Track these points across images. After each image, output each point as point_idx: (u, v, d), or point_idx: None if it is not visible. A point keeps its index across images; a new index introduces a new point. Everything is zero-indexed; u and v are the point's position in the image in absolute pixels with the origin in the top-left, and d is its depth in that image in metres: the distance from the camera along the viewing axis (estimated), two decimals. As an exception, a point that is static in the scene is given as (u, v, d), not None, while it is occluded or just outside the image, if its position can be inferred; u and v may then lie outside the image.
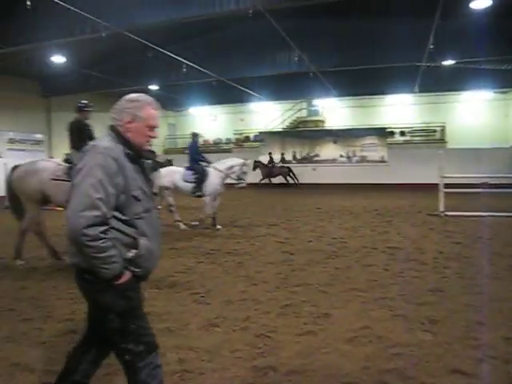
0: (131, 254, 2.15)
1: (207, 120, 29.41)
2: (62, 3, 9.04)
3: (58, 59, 14.98)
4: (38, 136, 20.52)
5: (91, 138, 6.08)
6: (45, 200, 6.37)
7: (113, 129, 2.25)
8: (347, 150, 25.07)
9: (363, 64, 15.28)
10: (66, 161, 6.36)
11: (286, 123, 27.20)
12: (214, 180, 9.25)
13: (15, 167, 6.54)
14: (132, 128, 2.21)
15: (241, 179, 9.58)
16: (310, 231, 9.07)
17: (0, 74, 17.57)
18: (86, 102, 6.61)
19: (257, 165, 23.44)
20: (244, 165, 9.58)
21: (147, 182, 2.29)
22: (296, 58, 14.64)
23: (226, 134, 28.83)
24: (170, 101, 24.15)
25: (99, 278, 2.07)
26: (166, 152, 29.21)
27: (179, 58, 14.20)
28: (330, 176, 23.80)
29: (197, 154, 9.64)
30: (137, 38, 11.43)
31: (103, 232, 2.01)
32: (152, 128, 2.27)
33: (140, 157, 2.27)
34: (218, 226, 9.40)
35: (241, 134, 28.70)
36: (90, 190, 1.99)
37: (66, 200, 5.27)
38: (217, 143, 28.92)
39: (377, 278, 5.38)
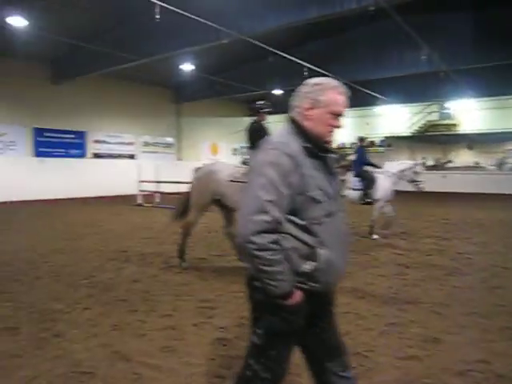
0: (308, 266, 1.85)
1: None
2: (187, 14, 9.59)
3: (187, 67, 16.02)
4: (169, 139, 22.23)
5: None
6: (220, 202, 6.19)
7: (291, 119, 1.99)
8: (485, 156, 22.63)
9: (503, 60, 13.59)
10: (244, 163, 6.20)
11: (415, 127, 25.56)
12: (384, 185, 8.71)
13: (198, 168, 6.50)
14: (312, 115, 1.92)
15: (415, 181, 8.96)
16: (431, 243, 8.28)
17: (136, 84, 19.49)
18: (262, 102, 6.35)
19: None
20: (415, 165, 8.99)
21: (331, 180, 1.96)
22: (425, 57, 13.60)
23: (350, 139, 28.17)
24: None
25: (267, 293, 1.84)
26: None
27: (301, 62, 14.16)
28: (462, 184, 21.75)
29: (365, 159, 9.18)
30: (258, 43, 11.65)
31: (273, 242, 1.77)
32: (336, 115, 1.94)
33: (321, 150, 1.94)
34: (375, 236, 8.69)
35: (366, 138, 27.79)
36: (260, 192, 1.77)
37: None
38: (340, 148, 28.39)
39: (504, 303, 4.63)
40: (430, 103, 24.42)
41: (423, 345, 3.58)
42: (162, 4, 9.17)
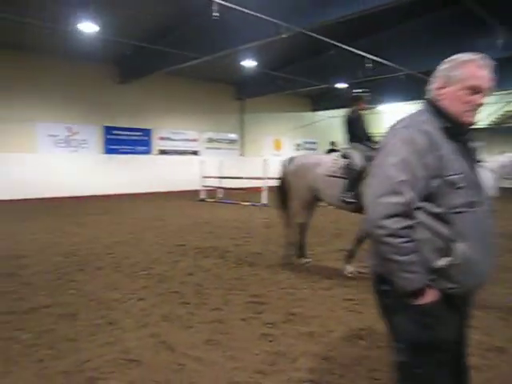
0: (443, 262, 1.63)
1: (399, 118, 28.01)
2: (245, 10, 9.59)
3: (249, 63, 16.09)
4: (232, 136, 22.47)
5: (365, 131, 5.65)
6: (316, 197, 5.85)
7: (426, 101, 1.84)
8: None
9: None
10: (343, 156, 5.65)
11: (492, 118, 23.92)
12: (487, 182, 7.43)
13: (291, 159, 6.16)
14: (444, 94, 1.74)
15: None
16: None
17: (200, 81, 19.88)
18: (361, 90, 5.89)
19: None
20: None
21: (472, 166, 1.74)
22: (501, 41, 12.60)
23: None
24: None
25: (396, 291, 1.65)
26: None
27: (363, 53, 13.71)
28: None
29: None
30: (318, 37, 11.42)
31: (406, 228, 1.58)
32: (474, 91, 1.69)
33: (461, 132, 1.75)
34: None
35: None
36: (392, 171, 1.60)
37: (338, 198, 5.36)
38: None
39: None
40: (508, 92, 22.73)
41: (485, 354, 3.30)
42: (220, 1, 9.22)
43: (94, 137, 17.10)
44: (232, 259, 6.48)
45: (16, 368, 3.03)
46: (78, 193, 16.17)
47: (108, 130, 17.43)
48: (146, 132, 18.80)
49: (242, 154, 22.77)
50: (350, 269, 5.52)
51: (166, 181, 18.82)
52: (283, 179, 6.13)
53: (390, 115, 28.40)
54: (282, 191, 6.16)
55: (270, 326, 3.82)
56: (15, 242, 7.83)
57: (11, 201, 14.43)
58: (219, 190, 16.61)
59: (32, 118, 15.43)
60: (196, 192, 16.50)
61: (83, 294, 4.74)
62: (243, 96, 21.86)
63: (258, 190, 14.66)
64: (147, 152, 18.95)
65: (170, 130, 19.67)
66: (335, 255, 6.66)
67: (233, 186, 16.27)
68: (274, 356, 3.20)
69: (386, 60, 14.35)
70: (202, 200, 15.99)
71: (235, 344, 3.43)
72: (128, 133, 18.12)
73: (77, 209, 13.16)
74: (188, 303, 4.47)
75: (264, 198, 14.16)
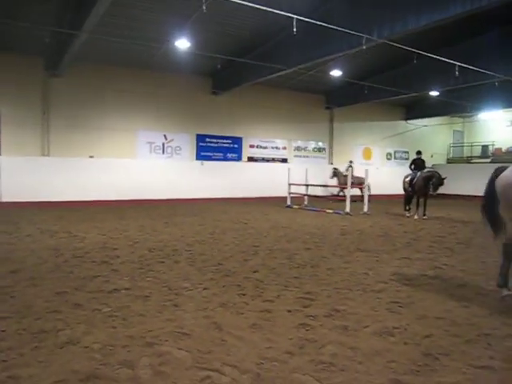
0: None
1: (501, 126, 26.20)
2: (325, 24, 9.98)
3: (336, 73, 16.38)
4: (321, 144, 22.76)
5: None
6: None
7: None
8: None
9: None
10: None
11: None
12: None
13: (498, 169, 5.04)
14: None
15: None
16: None
17: (288, 91, 20.51)
18: None
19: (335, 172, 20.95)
20: None
21: None
22: None
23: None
24: (455, 107, 22.54)
25: None
26: (450, 161, 27.60)
27: (451, 61, 13.29)
28: None
29: None
30: (401, 46, 11.39)
31: None
32: None
33: None
34: None
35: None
36: None
37: None
38: (511, 152, 25.33)
39: None
40: None
41: (516, 358, 3.35)
42: (301, 18, 9.71)
43: (187, 144, 18.55)
44: (298, 261, 6.87)
45: (95, 330, 3.76)
46: (171, 196, 17.62)
47: (200, 137, 18.77)
48: (237, 140, 19.86)
49: (330, 163, 22.94)
50: (505, 292, 4.82)
51: (255, 187, 19.66)
52: (489, 192, 5.09)
53: (491, 124, 26.72)
54: (489, 206, 5.14)
55: (311, 318, 4.17)
56: (112, 236, 8.99)
57: (115, 201, 16.20)
58: (305, 197, 17.03)
59: (133, 127, 17.25)
60: (283, 199, 17.08)
61: (158, 282, 5.47)
62: (332, 105, 22.10)
63: (342, 198, 14.84)
64: (237, 159, 19.99)
65: (259, 139, 20.55)
66: (397, 262, 6.80)
67: (319, 194, 16.59)
68: (304, 341, 3.57)
69: (479, 66, 13.74)
70: (288, 206, 16.52)
71: (275, 329, 3.85)
72: (220, 141, 19.33)
73: (168, 210, 14.43)
74: (245, 294, 4.97)
75: (347, 207, 14.30)
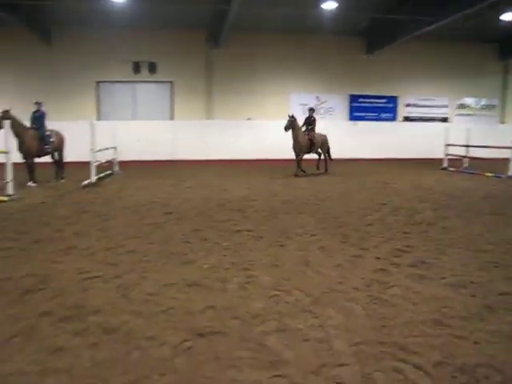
0: None
1: None
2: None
3: (510, 17, 14.54)
4: (491, 101, 20.52)
5: None
6: None
7: None
8: None
9: None
10: None
11: None
12: None
13: None
14: None
15: None
16: None
17: (454, 43, 18.81)
18: None
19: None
20: None
21: None
22: None
23: None
24: None
25: None
26: None
27: None
28: None
29: None
30: None
31: None
32: None
33: None
34: None
35: None
36: None
37: None
38: None
39: None
40: None
41: None
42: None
43: (340, 105, 18.84)
44: (417, 219, 6.97)
45: (210, 256, 4.81)
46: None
47: (353, 98, 18.83)
48: (392, 99, 19.34)
49: (502, 122, 20.64)
50: None
51: (410, 148, 19.01)
52: None
53: None
54: None
55: (394, 265, 4.52)
56: (254, 191, 10.18)
57: (268, 160, 17.57)
58: (465, 159, 15.91)
59: (286, 89, 18.25)
60: (441, 161, 16.26)
61: (277, 228, 6.32)
62: (508, 56, 19.60)
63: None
64: (392, 119, 19.50)
65: (417, 97, 19.61)
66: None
67: (483, 156, 15.30)
68: (374, 282, 4.02)
69: None
70: (444, 169, 15.71)
71: (354, 271, 4.36)
72: (373, 100, 19.11)
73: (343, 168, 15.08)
74: (346, 242, 5.49)
75: (511, 170, 13.08)
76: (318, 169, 14.25)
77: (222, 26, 14.25)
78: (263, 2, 13.34)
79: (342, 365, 2.61)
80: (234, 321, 3.19)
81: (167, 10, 14.55)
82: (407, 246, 5.30)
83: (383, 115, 19.39)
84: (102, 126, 14.13)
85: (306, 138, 13.15)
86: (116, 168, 14.16)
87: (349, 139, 18.66)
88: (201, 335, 2.95)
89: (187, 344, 2.84)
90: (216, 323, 3.13)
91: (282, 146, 17.85)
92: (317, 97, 18.63)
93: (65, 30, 17.04)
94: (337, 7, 13.07)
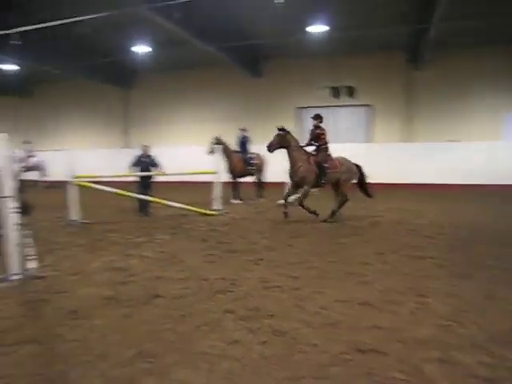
0: None
1: None
2: None
3: None
4: None
5: None
6: None
7: None
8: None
9: None
10: None
11: None
12: None
13: None
14: None
15: None
16: None
17: None
18: None
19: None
20: None
21: None
22: None
23: None
24: None
25: None
26: None
27: None
28: None
29: None
30: None
31: None
32: None
33: None
34: None
35: None
36: None
37: None
38: None
39: None
40: None
41: None
42: None
43: None
44: None
45: (388, 279, 4.82)
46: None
47: None
48: None
49: None
50: None
51: None
52: None
53: None
54: None
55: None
56: (451, 216, 9.51)
57: (472, 185, 16.02)
58: None
59: (498, 108, 16.47)
60: None
61: (465, 258, 5.86)
62: None
63: None
64: None
65: None
66: None
67: None
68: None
69: None
70: None
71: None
72: None
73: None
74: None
75: None
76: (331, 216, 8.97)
77: (423, 45, 13.85)
78: (466, 13, 12.50)
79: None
80: (396, 343, 3.21)
81: (365, 33, 14.87)
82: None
83: None
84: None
85: (311, 162, 8.72)
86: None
87: None
88: (360, 351, 3.09)
89: (346, 356, 3.01)
90: (378, 342, 3.21)
91: (491, 170, 16.22)
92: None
93: (270, 62, 19.11)
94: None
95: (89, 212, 9.63)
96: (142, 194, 9.51)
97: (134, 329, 3.48)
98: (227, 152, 12.06)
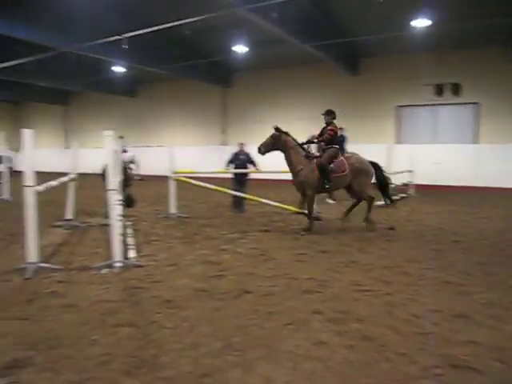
0: None
1: None
2: None
3: None
4: None
5: None
6: None
7: None
8: None
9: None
10: None
11: None
12: None
13: None
14: None
15: None
16: None
17: None
18: None
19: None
20: None
21: None
22: None
23: None
24: None
25: None
26: None
27: None
28: None
29: None
30: None
31: None
32: None
33: None
34: None
35: None
36: None
37: None
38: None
39: None
40: None
41: None
42: None
43: None
44: None
45: (492, 291, 4.45)
46: None
47: None
48: None
49: None
50: None
51: None
52: None
53: None
54: None
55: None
56: None
57: None
58: None
59: None
60: None
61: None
62: None
63: None
64: None
65: None
66: None
67: None
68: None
69: None
70: None
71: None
72: None
73: None
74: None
75: None
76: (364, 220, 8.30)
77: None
78: None
79: None
80: (496, 363, 2.96)
81: (471, 26, 13.77)
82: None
83: None
84: (401, 149, 14.58)
85: (313, 165, 7.73)
86: (411, 191, 14.28)
87: None
88: (454, 366, 2.90)
89: (437, 371, 2.84)
90: (475, 360, 2.98)
91: None
92: None
93: (368, 59, 18.48)
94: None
95: (186, 206, 10.15)
96: (237, 190, 9.78)
97: (223, 322, 3.61)
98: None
